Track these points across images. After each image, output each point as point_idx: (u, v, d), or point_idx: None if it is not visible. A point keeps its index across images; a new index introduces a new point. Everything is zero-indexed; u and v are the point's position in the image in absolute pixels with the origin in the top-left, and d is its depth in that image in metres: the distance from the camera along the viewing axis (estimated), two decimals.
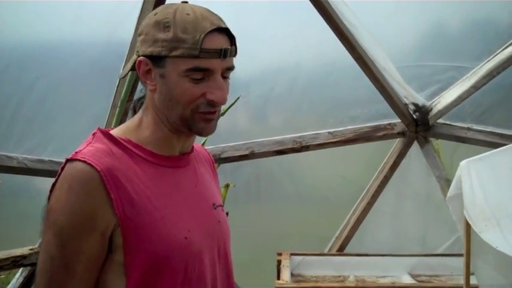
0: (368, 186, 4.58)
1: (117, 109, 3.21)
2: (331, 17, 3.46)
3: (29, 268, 3.85)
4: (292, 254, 4.25)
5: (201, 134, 1.40)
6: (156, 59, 1.31)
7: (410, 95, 4.17)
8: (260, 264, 4.20)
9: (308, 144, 4.28)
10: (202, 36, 1.29)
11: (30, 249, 3.84)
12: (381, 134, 4.37)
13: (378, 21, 3.91)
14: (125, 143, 1.35)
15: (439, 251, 4.56)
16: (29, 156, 3.62)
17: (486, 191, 2.84)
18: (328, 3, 3.41)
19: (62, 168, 1.28)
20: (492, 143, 4.07)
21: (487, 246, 2.74)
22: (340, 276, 4.21)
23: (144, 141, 1.38)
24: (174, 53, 1.29)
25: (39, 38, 3.63)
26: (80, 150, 1.29)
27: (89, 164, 1.24)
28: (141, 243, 1.28)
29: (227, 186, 3.62)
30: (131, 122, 1.43)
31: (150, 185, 1.33)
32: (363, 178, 4.62)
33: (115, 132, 1.39)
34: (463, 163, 2.96)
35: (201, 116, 1.34)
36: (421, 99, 4.23)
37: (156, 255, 1.29)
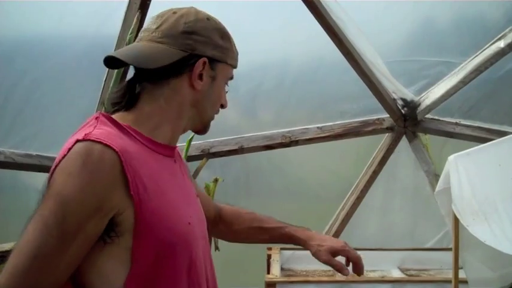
0: (357, 181, 4.58)
1: (105, 103, 3.20)
2: (319, 11, 3.45)
3: None
4: (282, 249, 4.25)
5: (205, 133, 1.57)
6: (212, 62, 1.44)
7: (398, 90, 4.17)
8: (250, 258, 4.19)
9: (297, 139, 4.28)
10: (236, 50, 1.53)
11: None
12: (369, 129, 4.37)
13: (367, 16, 3.90)
14: (127, 129, 1.36)
15: (428, 245, 4.59)
16: (16, 151, 3.60)
17: (474, 186, 2.85)
18: None
19: (69, 149, 1.23)
20: (480, 138, 4.09)
21: (475, 240, 2.76)
22: (329, 271, 4.21)
23: (144, 130, 1.39)
24: (229, 61, 1.49)
25: (25, 32, 3.60)
26: (90, 132, 1.25)
27: (106, 144, 1.23)
28: (152, 226, 1.27)
29: (216, 181, 3.61)
30: (131, 114, 1.41)
31: (155, 170, 1.35)
32: (352, 173, 4.62)
33: (115, 118, 1.40)
34: (451, 158, 2.97)
35: (213, 118, 1.54)
36: (409, 95, 4.24)
37: (164, 240, 1.30)
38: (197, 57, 1.41)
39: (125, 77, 3.22)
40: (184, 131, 1.50)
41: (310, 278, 3.97)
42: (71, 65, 3.71)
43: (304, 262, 4.26)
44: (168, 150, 1.46)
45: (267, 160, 4.54)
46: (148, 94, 1.42)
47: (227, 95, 1.55)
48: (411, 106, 4.25)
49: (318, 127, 4.32)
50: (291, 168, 4.79)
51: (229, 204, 1.98)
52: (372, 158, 4.53)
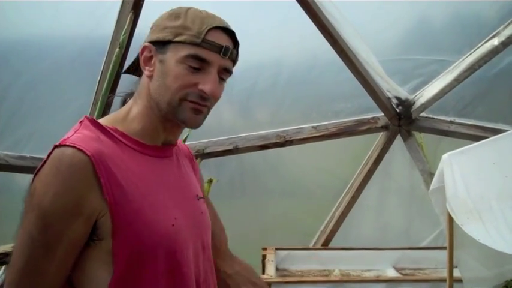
0: (352, 180, 4.59)
1: (99, 104, 3.19)
2: (313, 11, 3.45)
3: None
4: (277, 249, 4.26)
5: (185, 124, 1.42)
6: (159, 45, 1.37)
7: (393, 88, 4.18)
8: (245, 259, 4.18)
9: (292, 138, 4.28)
10: (208, 28, 1.36)
11: (12, 247, 3.80)
12: (364, 128, 4.37)
13: (361, 15, 3.90)
14: (111, 131, 1.36)
15: (423, 244, 4.60)
16: (10, 153, 3.58)
17: (468, 184, 2.85)
18: None
19: (49, 155, 1.27)
20: (474, 136, 4.09)
21: (470, 239, 2.75)
22: (325, 271, 4.23)
23: (130, 131, 1.40)
24: (177, 38, 1.35)
25: (19, 33, 3.58)
26: (68, 137, 1.29)
27: (79, 149, 1.24)
28: (130, 228, 1.28)
29: (210, 181, 3.61)
30: (118, 112, 1.45)
31: (137, 172, 1.35)
32: (347, 172, 4.63)
33: (102, 121, 1.41)
34: (445, 156, 2.97)
35: (188, 105, 1.37)
36: (404, 93, 4.24)
37: (144, 242, 1.30)
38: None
39: (119, 78, 3.22)
40: (163, 125, 1.42)
41: (305, 278, 3.98)
42: (65, 66, 3.70)
43: (299, 262, 4.27)
44: (155, 150, 1.43)
45: (262, 160, 4.53)
46: (136, 93, 1.45)
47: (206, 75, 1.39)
48: (406, 105, 4.25)
49: (312, 126, 4.32)
50: (286, 167, 4.79)
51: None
52: (366, 157, 4.54)
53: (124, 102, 1.50)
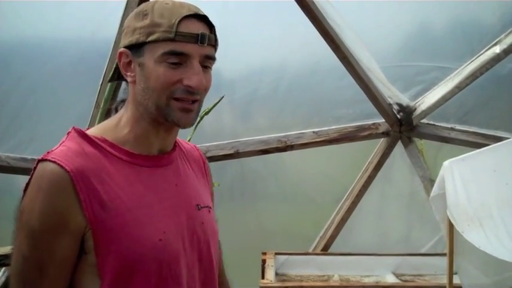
0: (352, 185, 4.59)
1: (101, 108, 3.19)
2: (316, 16, 3.46)
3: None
4: (276, 254, 4.26)
5: (178, 125, 1.36)
6: (135, 49, 1.31)
7: (394, 95, 4.18)
8: (244, 263, 4.19)
9: (293, 143, 4.28)
10: (178, 19, 1.29)
11: (12, 249, 3.80)
12: (365, 133, 4.37)
13: (363, 21, 3.91)
14: (99, 142, 1.33)
15: (422, 251, 4.59)
16: (11, 155, 3.59)
17: (469, 191, 2.86)
18: (313, 3, 3.41)
19: (34, 169, 1.27)
20: (475, 143, 4.10)
21: (470, 245, 2.76)
22: (324, 276, 4.23)
23: (121, 140, 1.36)
24: (150, 38, 1.29)
25: (21, 36, 3.60)
26: (52, 151, 1.28)
27: (59, 164, 1.23)
28: (112, 245, 1.26)
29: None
30: (109, 120, 1.42)
31: (124, 185, 1.31)
32: (347, 178, 4.63)
33: (91, 131, 1.37)
34: (446, 163, 2.98)
35: (177, 104, 1.32)
36: (405, 100, 4.24)
37: (128, 258, 1.27)
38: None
39: (121, 82, 3.22)
40: (157, 128, 1.38)
41: (304, 283, 3.98)
42: (67, 69, 3.71)
43: (299, 267, 4.27)
44: (149, 160, 1.39)
45: (263, 165, 4.54)
46: (126, 100, 1.41)
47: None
48: (407, 111, 4.26)
49: (313, 132, 4.32)
50: (287, 172, 4.80)
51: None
52: (367, 163, 4.54)
53: (116, 110, 1.44)
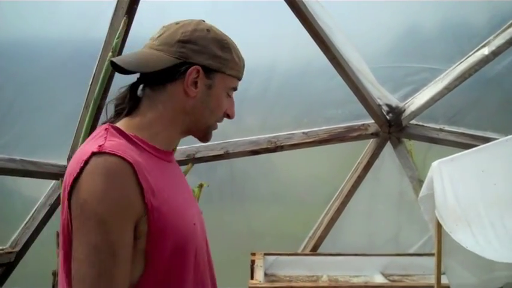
0: (342, 186, 4.60)
1: (90, 108, 3.18)
2: (305, 17, 3.46)
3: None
4: (266, 254, 4.26)
5: (206, 141, 1.60)
6: (208, 71, 1.48)
7: (384, 96, 4.20)
8: (234, 264, 4.19)
9: (283, 144, 4.29)
10: (243, 64, 1.57)
11: (1, 249, 3.78)
12: (354, 134, 4.39)
13: (353, 22, 3.92)
14: (134, 139, 1.42)
15: (411, 251, 4.61)
16: None
17: (457, 192, 2.87)
18: (303, 3, 3.41)
19: (86, 162, 1.30)
20: (463, 144, 4.12)
21: (458, 246, 2.78)
22: (313, 276, 4.23)
23: (149, 137, 1.46)
24: (229, 72, 1.51)
25: (11, 35, 3.57)
26: (103, 145, 1.33)
27: (120, 156, 1.31)
28: (166, 229, 1.36)
29: (201, 186, 3.60)
30: (132, 119, 1.48)
31: (160, 177, 1.42)
32: (337, 178, 4.64)
33: (121, 125, 1.47)
34: (434, 164, 2.99)
35: (215, 126, 1.57)
36: (394, 100, 4.26)
37: (177, 241, 1.38)
38: (190, 65, 1.46)
39: (111, 82, 3.22)
40: (182, 136, 1.55)
41: (293, 284, 3.99)
42: (57, 68, 3.69)
43: (288, 267, 4.28)
44: (168, 155, 1.53)
45: (253, 165, 4.54)
46: (148, 99, 1.49)
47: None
48: (396, 112, 4.28)
49: (303, 132, 4.33)
50: (276, 173, 4.80)
51: None
52: (356, 163, 4.56)
53: (119, 109, 1.52)
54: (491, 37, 3.81)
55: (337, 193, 4.62)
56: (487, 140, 3.88)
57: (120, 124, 1.46)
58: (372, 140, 4.49)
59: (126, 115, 1.49)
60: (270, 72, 4.23)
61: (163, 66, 1.44)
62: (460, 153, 3.06)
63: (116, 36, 3.02)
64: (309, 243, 4.66)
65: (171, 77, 1.46)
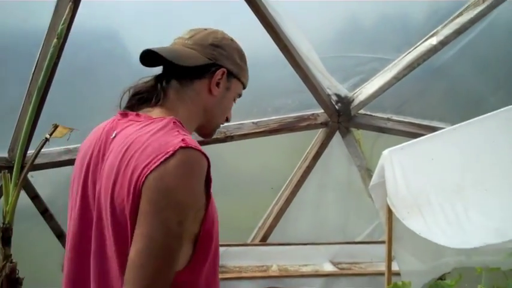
0: (291, 175, 4.60)
1: (34, 97, 3.06)
2: (256, 4, 3.44)
3: None
4: None
5: (210, 138, 1.78)
6: (230, 75, 1.67)
7: (333, 85, 4.22)
8: None
9: (232, 134, 4.25)
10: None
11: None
12: (304, 124, 4.40)
13: (301, 11, 3.91)
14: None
15: (358, 239, 4.67)
16: None
17: (408, 180, 2.90)
18: None
19: (173, 154, 1.38)
20: (410, 133, 4.19)
21: (407, 233, 2.81)
22: (263, 266, 4.23)
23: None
24: (242, 79, 1.72)
25: None
26: (185, 139, 1.42)
27: (201, 152, 1.42)
28: (215, 215, 1.51)
29: None
30: (171, 113, 1.58)
31: None
32: (287, 168, 4.64)
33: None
34: (385, 152, 3.02)
35: (219, 126, 1.76)
36: (343, 90, 4.28)
37: (215, 228, 1.51)
38: (218, 66, 1.64)
39: (55, 70, 3.11)
40: (193, 131, 1.68)
41: (243, 274, 3.97)
42: None
43: (237, 258, 4.25)
44: None
45: None
46: (175, 92, 1.62)
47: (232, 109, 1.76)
48: (345, 102, 4.30)
49: (253, 122, 4.31)
50: (226, 163, 4.74)
51: None
52: (306, 153, 4.56)
53: (139, 97, 1.63)
54: (439, 27, 3.88)
55: (286, 183, 4.62)
56: (433, 129, 3.96)
57: (157, 114, 1.57)
58: (321, 129, 4.50)
59: (154, 105, 1.60)
60: None
61: (197, 63, 1.61)
62: (410, 142, 3.10)
63: (62, 23, 2.92)
64: (259, 234, 4.65)
65: (200, 74, 1.63)
